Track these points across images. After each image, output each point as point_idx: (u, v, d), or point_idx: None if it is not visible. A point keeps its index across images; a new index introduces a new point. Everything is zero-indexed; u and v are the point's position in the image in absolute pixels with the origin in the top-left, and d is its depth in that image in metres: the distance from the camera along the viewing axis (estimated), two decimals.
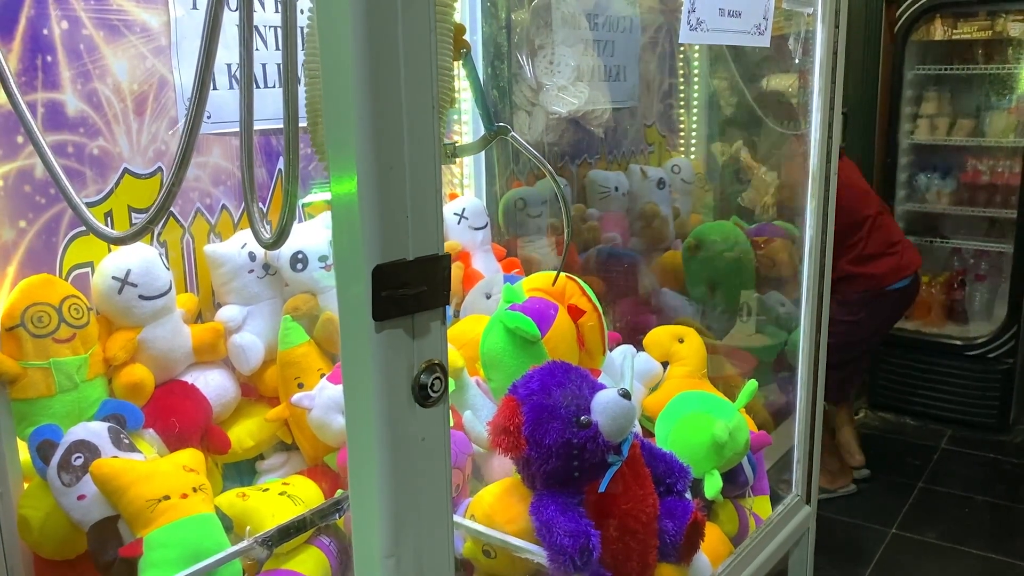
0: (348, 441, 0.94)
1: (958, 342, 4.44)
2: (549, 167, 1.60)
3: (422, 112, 0.87)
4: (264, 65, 1.96)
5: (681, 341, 2.13)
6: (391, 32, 0.83)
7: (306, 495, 1.71)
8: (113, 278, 1.64)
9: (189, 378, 1.78)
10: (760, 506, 1.99)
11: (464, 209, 2.36)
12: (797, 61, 2.03)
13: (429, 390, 0.93)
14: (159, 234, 1.82)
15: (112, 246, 1.71)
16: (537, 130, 1.82)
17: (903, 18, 4.57)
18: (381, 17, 0.82)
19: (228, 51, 1.88)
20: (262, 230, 1.26)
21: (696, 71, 3.41)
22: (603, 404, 1.45)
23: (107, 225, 1.71)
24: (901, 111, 4.68)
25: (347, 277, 0.89)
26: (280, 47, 1.98)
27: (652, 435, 1.90)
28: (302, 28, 1.40)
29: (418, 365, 0.92)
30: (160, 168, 1.80)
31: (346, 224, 0.87)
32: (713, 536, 1.75)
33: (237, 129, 1.91)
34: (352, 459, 0.94)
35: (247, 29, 1.31)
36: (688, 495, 1.64)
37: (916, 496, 3.86)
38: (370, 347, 0.88)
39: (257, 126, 1.94)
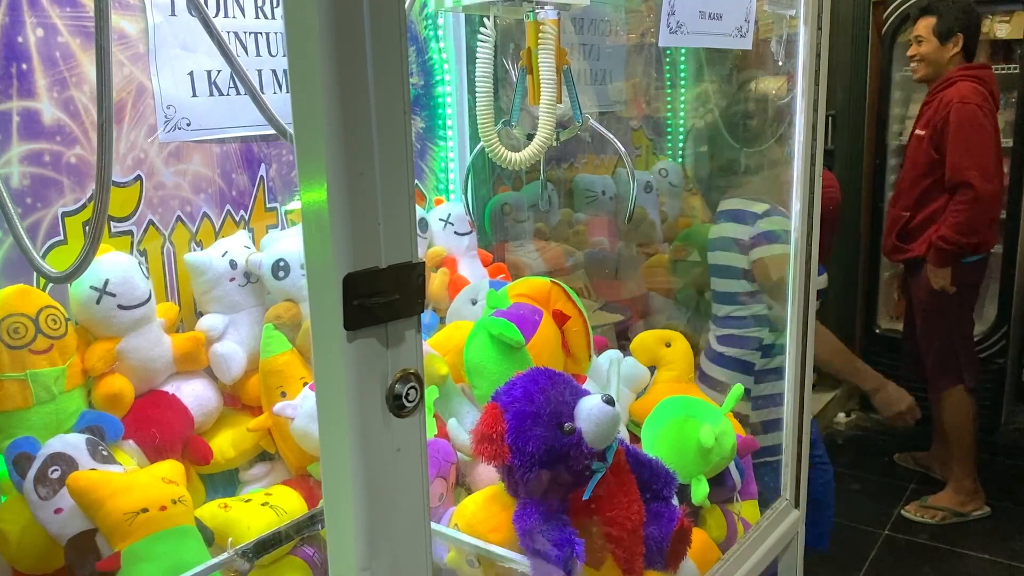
0: (322, 453, 0.93)
1: None
2: (625, 151, 2.00)
3: (392, 116, 0.86)
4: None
5: (668, 345, 2.11)
6: (358, 36, 0.82)
7: (289, 505, 1.69)
8: (91, 288, 1.62)
9: (170, 388, 1.76)
10: (748, 511, 1.97)
11: (449, 214, 2.35)
12: (781, 64, 2.02)
13: (404, 400, 0.91)
14: (139, 243, 1.80)
15: (98, 254, 1.69)
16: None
17: (890, 20, 4.57)
18: (348, 21, 0.81)
19: (208, 58, 1.86)
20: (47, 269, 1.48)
21: (683, 74, 3.40)
22: (587, 411, 1.43)
23: None
24: (889, 113, 4.68)
25: (318, 286, 0.88)
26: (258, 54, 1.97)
27: (640, 440, 1.89)
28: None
29: (392, 375, 0.90)
30: (140, 176, 1.78)
31: (316, 232, 0.86)
32: (700, 542, 1.73)
33: (217, 136, 1.90)
34: (326, 471, 0.93)
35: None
36: (675, 501, 1.62)
37: (908, 497, 3.86)
38: (342, 357, 0.86)
39: (237, 133, 1.94)
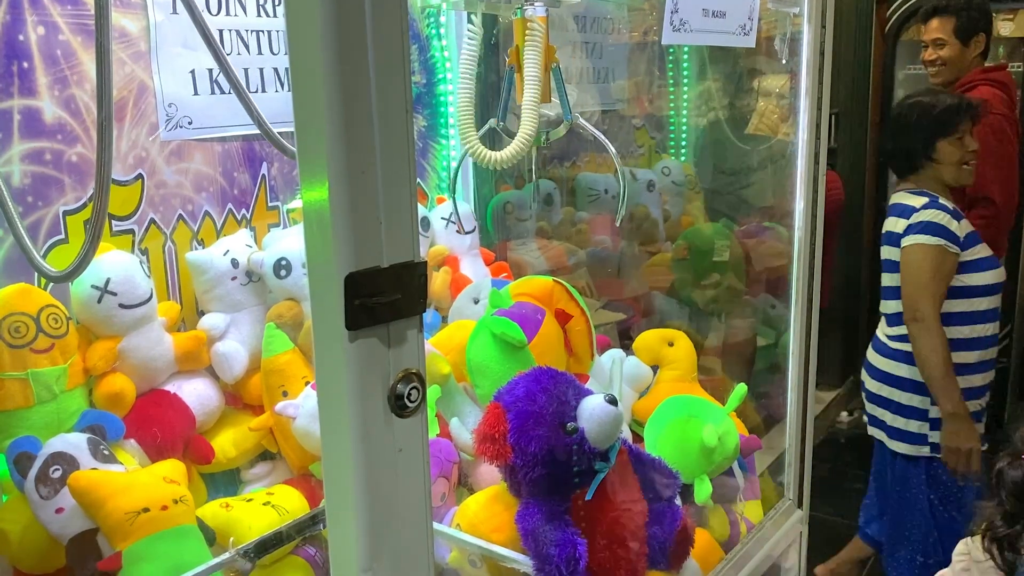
0: (323, 453, 0.92)
1: None
2: (614, 150, 1.91)
3: (394, 114, 0.85)
4: (246, 70, 1.93)
5: (671, 344, 2.11)
6: (360, 34, 0.81)
7: (290, 505, 1.68)
8: (92, 287, 1.62)
9: (172, 387, 1.76)
10: (751, 511, 1.97)
11: (452, 213, 2.34)
12: (784, 62, 2.01)
13: (406, 400, 0.90)
14: (140, 241, 1.79)
15: (97, 252, 1.68)
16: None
17: (893, 18, 4.56)
18: (349, 19, 0.81)
19: (209, 56, 1.85)
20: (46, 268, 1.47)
21: (686, 72, 3.39)
22: (589, 410, 1.42)
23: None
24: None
25: (320, 285, 0.87)
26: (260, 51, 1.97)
27: (643, 440, 1.88)
28: None
29: (394, 375, 0.90)
30: (141, 175, 1.78)
31: (318, 231, 0.85)
32: (703, 542, 1.73)
33: (219, 135, 1.90)
34: (327, 471, 0.92)
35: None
36: (678, 501, 1.62)
37: None
38: (344, 357, 0.86)
39: (239, 131, 1.93)
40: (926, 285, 2.44)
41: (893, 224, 2.58)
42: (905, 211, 2.54)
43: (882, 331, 2.69)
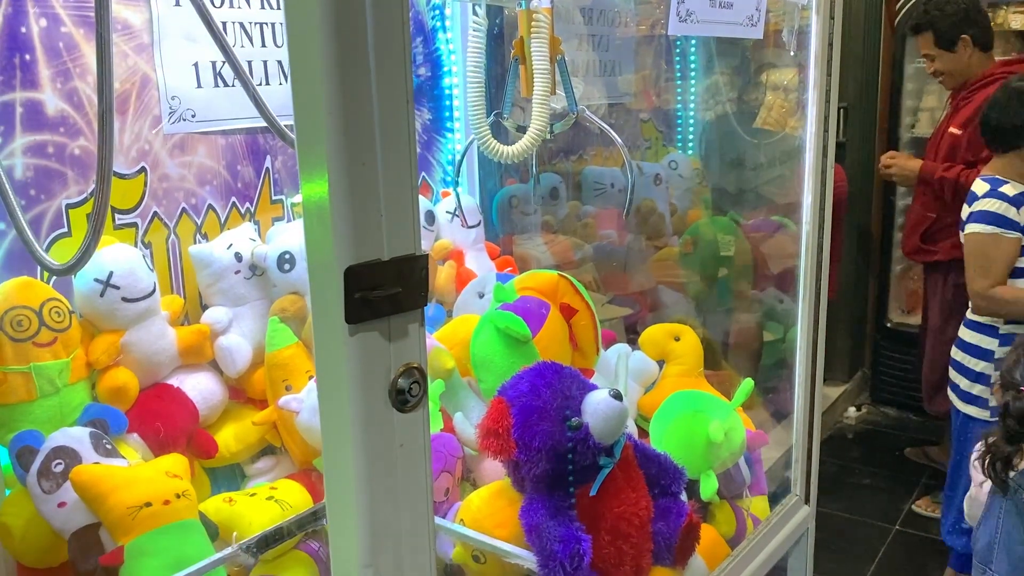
0: (324, 449, 0.91)
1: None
2: (621, 142, 1.93)
3: (395, 106, 0.84)
4: (250, 62, 1.92)
5: (677, 339, 2.10)
6: (360, 25, 0.80)
7: (294, 499, 1.68)
8: (95, 280, 1.61)
9: (175, 381, 1.75)
10: (758, 506, 1.96)
11: (456, 207, 2.33)
12: (793, 55, 1.99)
13: (407, 395, 0.90)
14: (144, 235, 1.79)
15: (100, 246, 1.67)
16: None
17: (903, 11, 4.52)
18: (349, 8, 0.79)
19: (212, 49, 1.84)
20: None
21: (693, 65, 3.37)
22: (594, 405, 1.41)
23: None
24: (902, 105, 4.62)
25: (320, 279, 0.86)
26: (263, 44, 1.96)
27: (648, 435, 1.87)
28: None
29: (395, 369, 0.89)
30: (144, 168, 1.77)
31: (318, 223, 0.84)
32: (709, 538, 1.72)
33: (222, 128, 1.89)
34: (328, 467, 0.92)
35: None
36: (683, 496, 1.60)
37: (919, 492, 3.82)
38: (344, 351, 0.85)
39: (243, 124, 1.92)
40: (982, 270, 2.53)
41: (964, 211, 2.66)
42: (971, 198, 2.60)
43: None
